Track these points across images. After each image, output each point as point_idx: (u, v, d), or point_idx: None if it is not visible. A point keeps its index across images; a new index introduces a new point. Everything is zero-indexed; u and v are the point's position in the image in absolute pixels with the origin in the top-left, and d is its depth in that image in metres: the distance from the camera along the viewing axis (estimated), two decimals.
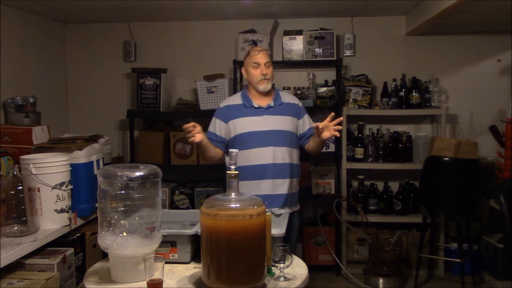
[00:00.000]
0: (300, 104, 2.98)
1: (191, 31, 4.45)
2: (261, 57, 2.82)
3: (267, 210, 1.80)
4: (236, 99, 2.90)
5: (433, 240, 4.00)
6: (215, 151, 2.80)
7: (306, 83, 4.29)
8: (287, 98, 2.95)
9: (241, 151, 2.69)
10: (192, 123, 2.57)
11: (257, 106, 2.82)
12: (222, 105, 2.91)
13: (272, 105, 2.83)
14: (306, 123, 2.94)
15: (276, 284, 1.83)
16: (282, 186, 2.78)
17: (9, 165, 2.57)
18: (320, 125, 2.63)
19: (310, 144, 2.89)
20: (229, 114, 2.83)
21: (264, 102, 2.84)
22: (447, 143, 3.60)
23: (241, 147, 2.72)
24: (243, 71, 2.92)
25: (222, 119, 2.83)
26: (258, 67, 2.81)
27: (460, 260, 3.68)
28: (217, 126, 2.85)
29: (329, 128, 2.63)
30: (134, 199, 1.81)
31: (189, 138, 2.58)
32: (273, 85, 2.94)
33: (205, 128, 4.13)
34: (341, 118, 2.67)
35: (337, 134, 2.63)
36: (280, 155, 2.77)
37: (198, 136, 2.59)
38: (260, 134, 2.76)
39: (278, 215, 2.62)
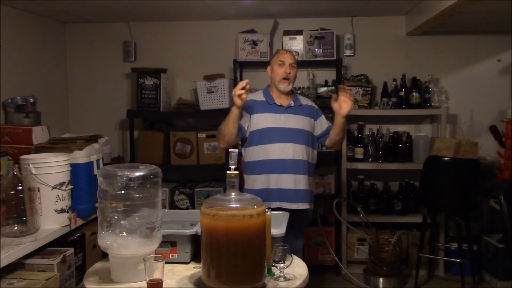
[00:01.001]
0: (316, 106, 3.12)
1: (191, 31, 4.45)
2: (287, 57, 2.93)
3: (266, 210, 1.81)
4: (259, 96, 3.00)
5: (433, 240, 4.00)
6: (236, 128, 2.82)
7: (306, 83, 4.29)
8: (304, 100, 3.08)
9: (262, 145, 2.85)
10: (247, 82, 2.65)
11: (279, 104, 2.94)
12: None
13: (292, 105, 2.95)
14: (323, 122, 3.07)
15: (276, 284, 1.83)
16: (302, 182, 2.88)
17: (9, 165, 2.57)
18: (336, 104, 2.78)
19: (331, 135, 2.97)
20: (254, 107, 2.92)
21: (285, 101, 2.96)
22: (447, 143, 3.60)
23: (262, 141, 2.86)
24: (268, 69, 3.02)
25: (247, 110, 2.91)
26: (283, 65, 2.91)
27: (460, 260, 3.68)
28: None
29: (342, 100, 2.76)
30: (134, 199, 1.81)
31: (239, 95, 2.64)
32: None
33: (204, 128, 4.19)
34: (345, 87, 2.83)
35: (351, 101, 2.76)
36: (300, 151, 2.88)
37: (245, 97, 2.67)
38: (282, 131, 2.87)
39: (301, 210, 2.82)
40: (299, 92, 4.14)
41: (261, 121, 2.89)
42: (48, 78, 4.22)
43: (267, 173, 2.85)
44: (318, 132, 3.03)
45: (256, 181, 2.88)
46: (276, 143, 2.85)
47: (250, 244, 1.69)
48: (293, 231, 2.45)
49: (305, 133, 2.94)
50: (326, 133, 3.02)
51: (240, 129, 2.86)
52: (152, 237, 1.84)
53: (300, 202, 2.88)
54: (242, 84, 2.65)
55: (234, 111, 2.74)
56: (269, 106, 2.93)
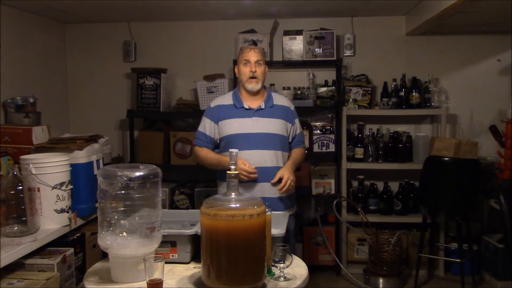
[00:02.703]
0: (292, 108, 2.93)
1: (191, 31, 4.45)
2: (252, 55, 2.76)
3: (267, 210, 1.81)
4: (227, 99, 2.85)
5: (433, 240, 4.00)
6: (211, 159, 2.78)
7: (306, 83, 4.29)
8: (279, 100, 2.89)
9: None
10: (254, 172, 2.64)
11: (247, 107, 2.78)
12: (212, 104, 2.88)
13: (263, 107, 2.78)
14: (296, 128, 2.91)
15: (276, 284, 1.83)
16: (270, 189, 2.73)
17: (9, 165, 2.57)
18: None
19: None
20: (220, 114, 2.80)
21: (255, 103, 2.80)
22: (447, 143, 3.60)
23: (228, 148, 2.65)
24: (236, 69, 2.89)
25: (212, 119, 2.81)
26: (247, 64, 2.75)
27: (460, 260, 3.68)
28: (207, 126, 2.82)
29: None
30: (134, 199, 1.81)
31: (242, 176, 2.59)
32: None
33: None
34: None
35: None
36: (268, 158, 2.73)
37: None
38: (248, 137, 2.72)
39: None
40: (299, 92, 4.15)
41: (227, 127, 2.75)
42: (48, 78, 4.22)
43: None
44: (290, 137, 2.88)
45: (224, 189, 2.69)
46: (243, 151, 2.63)
47: (250, 244, 1.69)
48: None
49: (276, 138, 2.76)
50: (296, 140, 2.91)
51: (211, 142, 2.82)
52: (152, 237, 1.84)
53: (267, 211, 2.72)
54: (249, 171, 2.61)
55: (225, 168, 2.53)
56: (237, 110, 2.77)
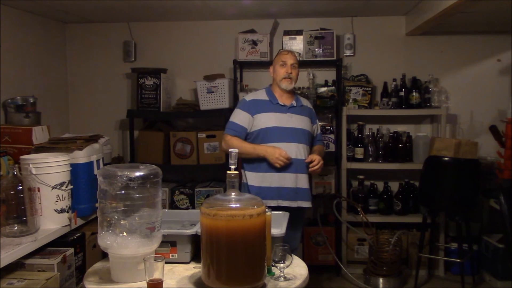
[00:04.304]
0: (313, 110, 3.22)
1: (191, 31, 4.45)
2: (289, 58, 3.01)
3: (266, 210, 1.81)
4: (262, 95, 3.06)
5: (433, 240, 4.00)
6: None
7: (306, 83, 4.29)
8: (304, 102, 3.16)
9: (266, 144, 2.91)
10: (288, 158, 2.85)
11: (282, 104, 3.00)
12: (248, 98, 3.06)
13: (295, 105, 3.03)
14: (318, 127, 3.24)
15: (276, 284, 1.83)
16: (303, 181, 2.96)
17: (9, 165, 2.57)
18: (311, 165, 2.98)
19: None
20: (256, 107, 2.98)
21: (287, 101, 3.03)
22: (447, 143, 3.60)
23: (266, 140, 2.93)
24: (270, 69, 3.09)
25: (249, 112, 2.98)
26: (284, 65, 2.99)
27: (460, 260, 3.68)
28: (242, 117, 2.99)
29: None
30: (134, 199, 1.81)
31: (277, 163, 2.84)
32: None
33: (204, 128, 4.19)
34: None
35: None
36: (302, 151, 2.96)
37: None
38: (285, 130, 2.94)
39: (302, 208, 2.92)
40: (299, 92, 4.15)
41: (265, 120, 2.94)
42: (48, 78, 4.22)
43: (269, 171, 2.91)
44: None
45: (258, 179, 2.93)
46: (280, 142, 2.91)
47: (250, 244, 1.69)
48: (289, 228, 2.44)
49: (306, 133, 3.02)
50: (317, 140, 3.21)
51: (243, 132, 2.97)
52: (152, 237, 1.84)
53: (300, 200, 2.94)
54: (287, 156, 2.84)
55: (260, 155, 2.87)
56: (273, 105, 2.99)
